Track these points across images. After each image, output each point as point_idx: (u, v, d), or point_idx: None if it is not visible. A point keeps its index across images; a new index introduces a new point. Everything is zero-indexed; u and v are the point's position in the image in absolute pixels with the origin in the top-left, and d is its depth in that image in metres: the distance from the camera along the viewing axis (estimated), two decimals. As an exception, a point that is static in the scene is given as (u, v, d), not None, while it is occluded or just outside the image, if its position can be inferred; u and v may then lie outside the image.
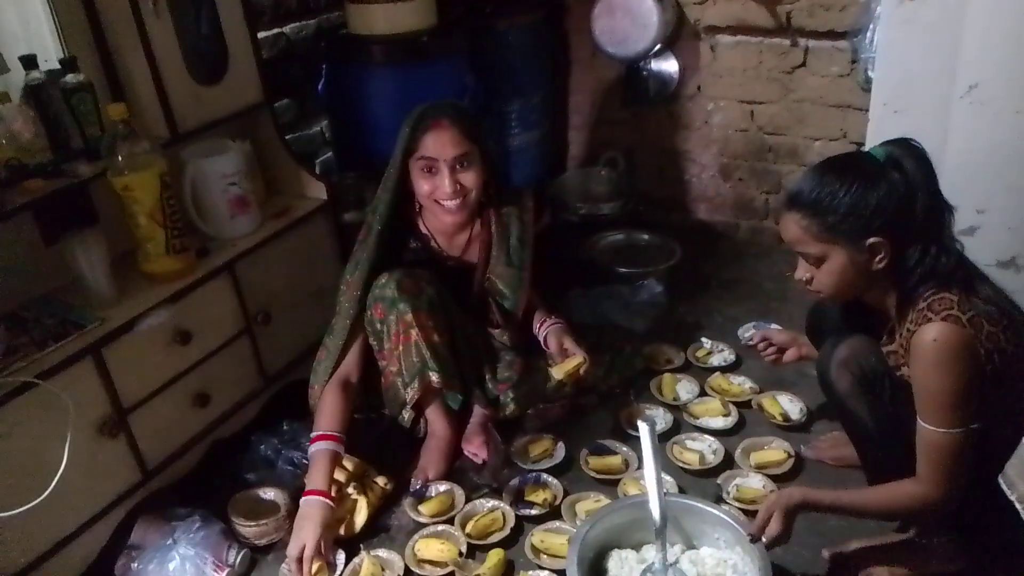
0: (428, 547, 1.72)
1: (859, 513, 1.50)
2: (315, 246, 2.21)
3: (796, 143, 2.87)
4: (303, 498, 1.74)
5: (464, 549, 1.72)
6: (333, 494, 1.76)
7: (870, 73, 2.28)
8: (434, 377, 1.84)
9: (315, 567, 1.65)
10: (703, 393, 2.19)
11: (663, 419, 2.09)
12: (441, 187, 1.88)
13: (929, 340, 1.32)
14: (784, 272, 2.71)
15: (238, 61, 2.04)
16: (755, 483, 1.85)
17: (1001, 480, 1.65)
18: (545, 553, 1.71)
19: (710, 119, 2.99)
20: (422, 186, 1.90)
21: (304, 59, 2.69)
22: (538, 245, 2.08)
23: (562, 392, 2.08)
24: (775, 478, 1.86)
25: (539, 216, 2.12)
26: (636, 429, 2.04)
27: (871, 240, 1.36)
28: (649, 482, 1.52)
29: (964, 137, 1.95)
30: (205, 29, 1.95)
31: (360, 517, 1.80)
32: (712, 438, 2.01)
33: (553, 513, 1.82)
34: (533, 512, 1.81)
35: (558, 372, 1.93)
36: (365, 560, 1.69)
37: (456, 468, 1.98)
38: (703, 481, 1.88)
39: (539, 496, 1.85)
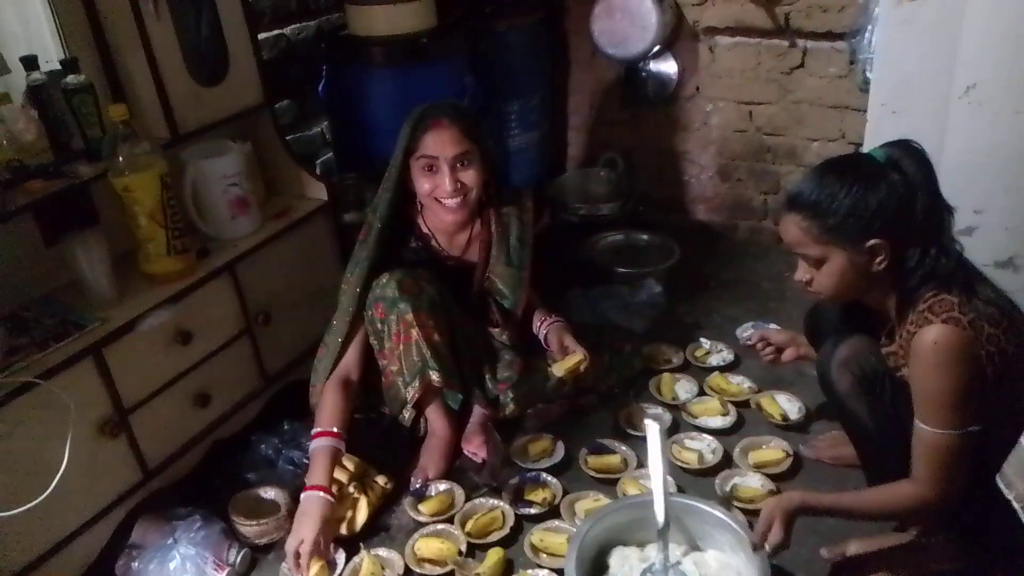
0: (428, 546, 1.73)
1: (857, 515, 1.51)
2: (315, 247, 2.21)
3: (794, 144, 2.87)
4: (303, 494, 1.74)
5: (464, 548, 1.72)
6: (334, 493, 1.76)
7: (868, 74, 2.28)
8: (434, 376, 1.84)
9: (315, 568, 1.65)
10: (702, 393, 2.19)
11: (662, 419, 2.09)
12: (441, 185, 1.89)
13: (929, 342, 1.32)
14: (783, 272, 2.72)
15: (238, 62, 2.04)
16: (754, 482, 1.85)
17: (999, 479, 1.65)
18: (544, 552, 1.71)
19: (709, 120, 3.00)
20: (422, 184, 1.91)
21: (304, 60, 2.70)
22: (537, 245, 2.09)
23: (562, 391, 2.08)
24: (774, 477, 1.86)
25: (538, 217, 2.13)
26: (635, 429, 2.06)
27: (871, 242, 1.36)
28: (655, 482, 1.52)
29: (962, 137, 1.96)
30: (205, 30, 1.96)
31: (360, 516, 1.81)
32: (711, 437, 2.01)
33: (552, 512, 1.82)
34: (532, 511, 1.82)
35: (558, 369, 1.93)
36: (365, 559, 1.70)
37: (456, 467, 1.99)
38: (702, 480, 1.88)
39: (538, 495, 1.86)
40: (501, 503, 1.84)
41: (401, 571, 1.70)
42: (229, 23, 2.00)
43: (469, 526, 1.77)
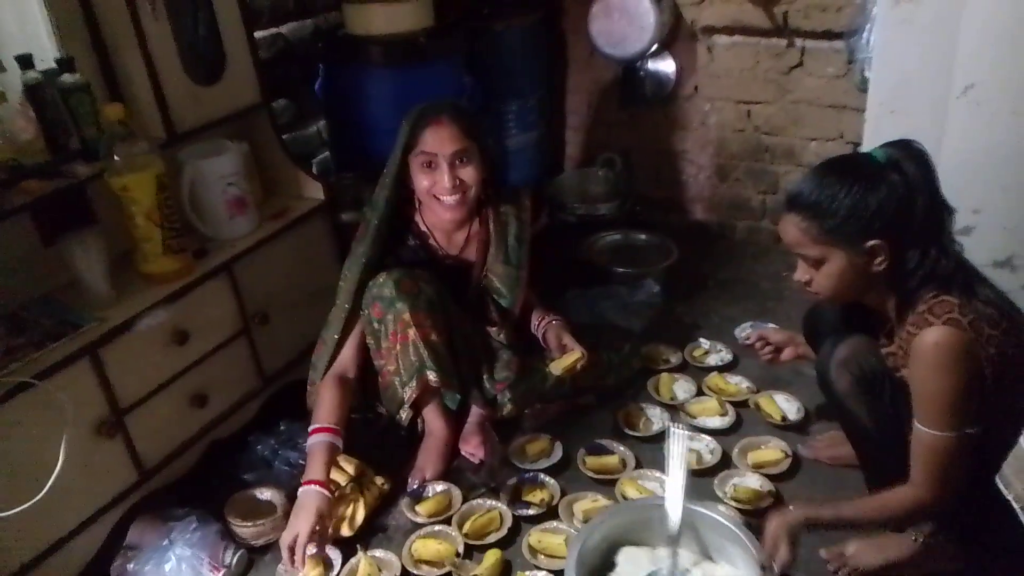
0: (425, 547, 1.72)
1: (860, 523, 1.51)
2: (313, 246, 2.21)
3: (793, 143, 2.87)
4: (300, 488, 1.74)
5: (461, 549, 1.72)
6: (332, 489, 1.76)
7: (866, 74, 2.28)
8: (432, 376, 1.84)
9: (311, 570, 1.64)
10: (700, 393, 2.19)
11: (660, 419, 2.09)
12: (440, 182, 1.89)
13: (930, 343, 1.32)
14: (781, 272, 2.72)
15: (235, 62, 2.04)
16: (752, 483, 1.85)
17: (998, 479, 1.65)
18: (542, 553, 1.71)
19: (707, 119, 3.00)
20: (421, 181, 1.91)
21: (302, 59, 2.69)
22: (535, 245, 2.09)
23: (560, 391, 2.08)
24: (772, 477, 1.86)
25: (536, 216, 2.13)
26: (634, 429, 2.05)
27: (871, 243, 1.36)
28: (673, 488, 1.51)
29: (960, 137, 1.96)
30: (202, 30, 1.95)
31: (357, 517, 1.80)
32: (709, 437, 2.01)
33: (550, 513, 1.82)
34: (530, 512, 1.81)
35: (556, 368, 1.93)
36: (362, 560, 1.69)
37: (453, 468, 1.98)
38: (700, 481, 1.88)
39: (536, 496, 1.85)
40: (499, 504, 1.84)
41: (398, 572, 1.69)
42: (226, 22, 1.99)
43: (467, 527, 1.77)
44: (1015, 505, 1.68)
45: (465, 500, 1.87)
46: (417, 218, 2.04)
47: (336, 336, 1.92)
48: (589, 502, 1.82)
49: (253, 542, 1.79)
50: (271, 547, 1.79)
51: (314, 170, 2.76)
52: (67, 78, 1.72)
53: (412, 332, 1.81)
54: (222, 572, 1.69)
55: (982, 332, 1.31)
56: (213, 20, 1.96)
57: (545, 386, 2.05)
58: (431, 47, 2.51)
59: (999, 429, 1.43)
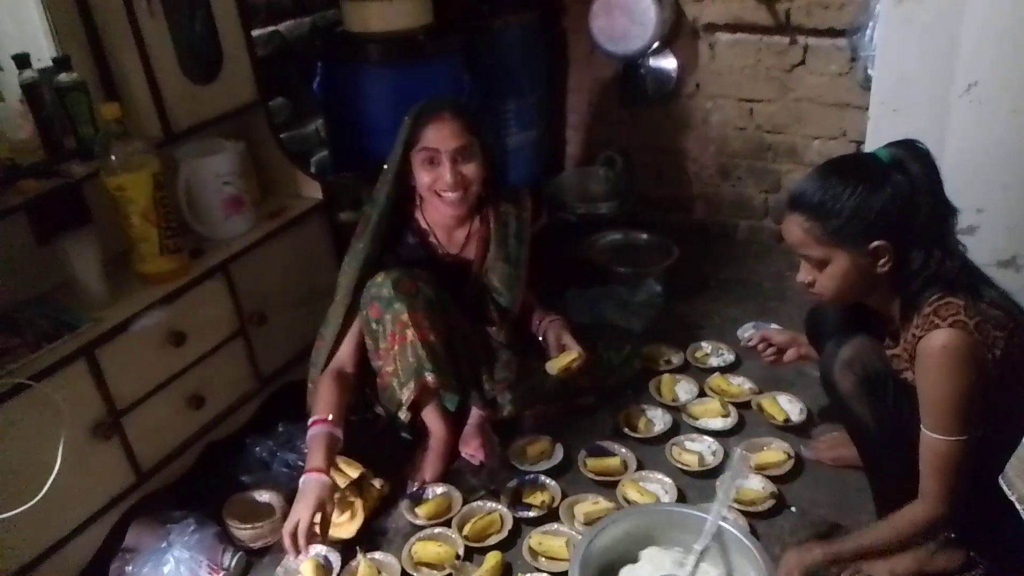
0: (425, 550, 1.71)
1: (878, 550, 1.49)
2: (310, 246, 2.20)
3: (795, 142, 2.86)
4: (301, 477, 1.73)
5: (461, 552, 1.71)
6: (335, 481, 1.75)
7: (869, 71, 2.27)
8: (430, 377, 1.82)
9: (310, 571, 1.64)
10: (702, 394, 2.18)
11: (662, 420, 2.08)
12: (442, 178, 1.88)
13: (937, 346, 1.31)
14: (783, 272, 2.71)
15: (232, 60, 2.03)
16: (755, 484, 1.84)
17: (1001, 480, 1.64)
18: (543, 555, 1.70)
19: (708, 118, 2.98)
20: (423, 177, 1.90)
21: (299, 57, 2.68)
22: (535, 245, 2.09)
23: (560, 392, 2.07)
24: (774, 479, 1.85)
25: (536, 216, 2.12)
26: (635, 430, 2.04)
27: (874, 244, 1.35)
28: (718, 506, 1.52)
29: (963, 136, 1.95)
30: (199, 28, 1.94)
31: (357, 520, 1.79)
32: (711, 439, 2.00)
33: (551, 515, 1.81)
34: (531, 514, 1.80)
35: (552, 367, 1.92)
36: (361, 563, 1.68)
37: (453, 470, 1.97)
38: (702, 483, 1.87)
39: (537, 498, 1.84)
40: (499, 506, 1.83)
41: (398, 575, 1.68)
42: (223, 20, 1.98)
43: (467, 529, 1.76)
44: (1019, 506, 1.67)
45: (465, 502, 1.86)
46: (417, 215, 2.03)
47: (335, 331, 1.92)
48: (590, 504, 1.81)
49: (251, 544, 1.78)
50: (270, 549, 1.78)
51: (312, 169, 2.75)
52: (64, 77, 1.71)
53: (410, 333, 1.80)
54: (220, 574, 1.69)
55: (988, 334, 1.30)
56: (210, 18, 1.95)
57: (545, 387, 2.03)
58: (430, 45, 2.51)
59: (1003, 430, 1.42)
